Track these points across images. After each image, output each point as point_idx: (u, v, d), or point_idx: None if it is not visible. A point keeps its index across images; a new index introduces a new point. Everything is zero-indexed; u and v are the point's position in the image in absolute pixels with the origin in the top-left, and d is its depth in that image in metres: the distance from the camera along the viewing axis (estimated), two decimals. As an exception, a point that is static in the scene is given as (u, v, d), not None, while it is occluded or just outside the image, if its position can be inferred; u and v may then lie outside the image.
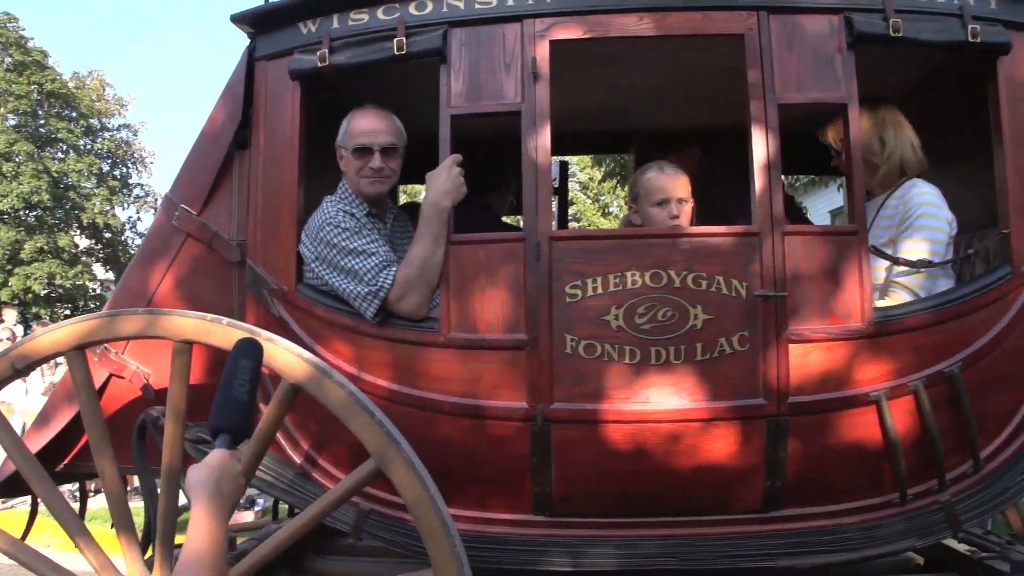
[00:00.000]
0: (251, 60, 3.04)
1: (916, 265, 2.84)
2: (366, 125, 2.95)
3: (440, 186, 2.75)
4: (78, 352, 2.60)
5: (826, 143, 3.08)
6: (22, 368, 2.64)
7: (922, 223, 2.90)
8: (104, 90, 27.73)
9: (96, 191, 25.84)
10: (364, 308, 2.76)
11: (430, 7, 2.82)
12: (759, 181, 2.70)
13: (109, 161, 27.36)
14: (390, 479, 2.37)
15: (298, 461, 2.88)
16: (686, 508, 2.77)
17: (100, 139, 27.03)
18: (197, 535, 1.36)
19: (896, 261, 2.88)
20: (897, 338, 2.71)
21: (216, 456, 1.47)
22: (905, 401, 2.70)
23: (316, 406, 2.52)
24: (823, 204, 15.49)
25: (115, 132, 27.87)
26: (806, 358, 2.67)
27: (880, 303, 2.84)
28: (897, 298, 2.86)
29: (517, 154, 2.76)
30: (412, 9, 2.83)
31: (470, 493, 2.76)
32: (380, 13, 2.86)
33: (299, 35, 2.94)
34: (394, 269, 2.76)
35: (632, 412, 2.65)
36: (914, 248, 2.88)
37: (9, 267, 23.21)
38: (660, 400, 2.66)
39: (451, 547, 2.33)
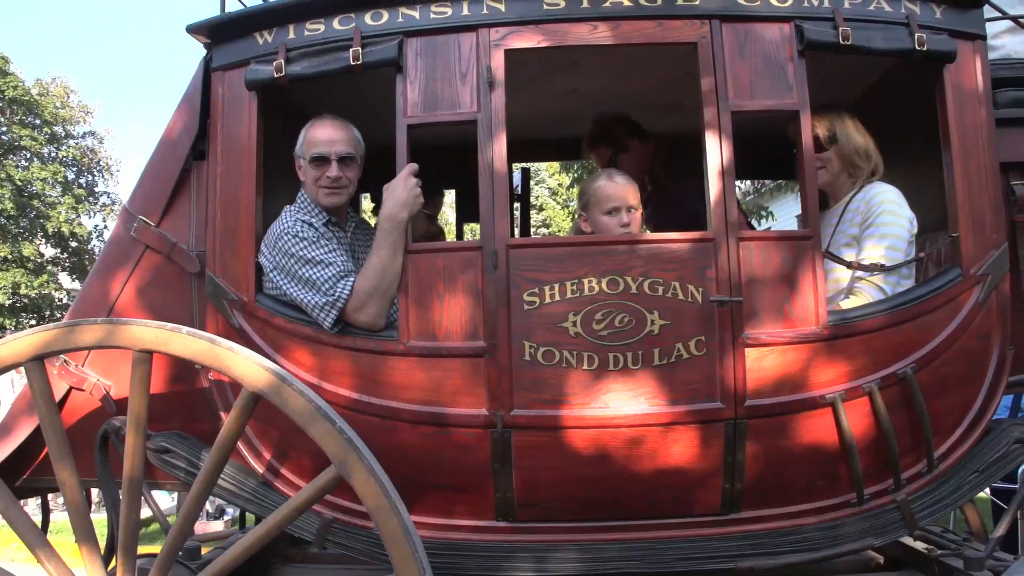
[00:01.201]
0: (207, 71, 3.03)
1: (869, 269, 2.90)
2: (323, 135, 2.95)
3: (397, 197, 2.76)
4: (37, 363, 2.59)
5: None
6: (-21, 380, 2.62)
7: (882, 220, 2.95)
8: (68, 97, 27.39)
9: (61, 199, 25.49)
10: (322, 318, 2.76)
11: (386, 17, 2.83)
12: (714, 187, 2.73)
13: (75, 169, 27.03)
14: (351, 486, 2.37)
15: (260, 470, 2.88)
16: (647, 511, 2.80)
17: (65, 147, 26.69)
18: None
19: (849, 265, 2.93)
20: (852, 340, 2.76)
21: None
22: (861, 403, 2.76)
23: (278, 415, 2.52)
24: (789, 209, 15.62)
25: (80, 140, 27.55)
26: (762, 362, 2.71)
27: (847, 302, 2.89)
28: (864, 296, 2.90)
29: (470, 161, 2.78)
30: (368, 19, 2.84)
31: (432, 500, 2.77)
32: (336, 23, 2.87)
33: (255, 45, 2.94)
34: (352, 279, 2.77)
35: (591, 417, 2.68)
36: (874, 247, 2.93)
37: (-26, 277, 22.87)
38: (619, 405, 2.68)
39: (413, 553, 2.34)
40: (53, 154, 26.26)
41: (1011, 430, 2.95)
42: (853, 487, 2.81)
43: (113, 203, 27.83)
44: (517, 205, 4.45)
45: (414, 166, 2.78)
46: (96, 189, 27.70)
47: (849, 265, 2.93)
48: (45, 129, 25.77)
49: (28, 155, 25.58)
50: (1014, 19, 3.24)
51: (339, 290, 2.75)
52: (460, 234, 4.72)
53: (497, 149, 2.73)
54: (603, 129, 3.74)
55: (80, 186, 26.81)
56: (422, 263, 2.76)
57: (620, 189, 3.01)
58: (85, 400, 3.13)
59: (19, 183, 24.24)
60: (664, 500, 2.80)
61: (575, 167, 11.95)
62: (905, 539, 3.18)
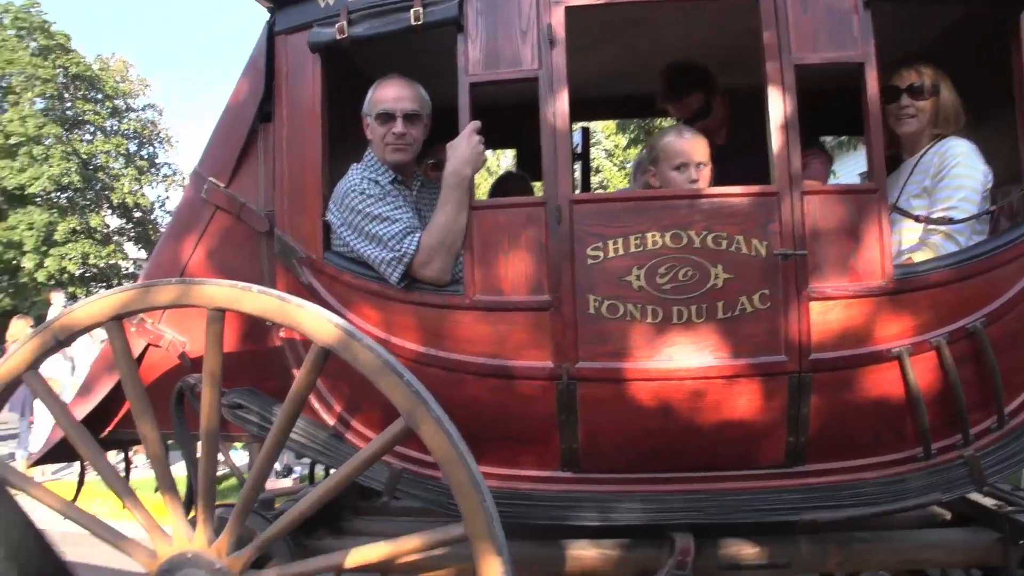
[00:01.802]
0: (271, 35, 3.08)
1: (937, 222, 2.85)
2: (389, 93, 2.99)
3: (461, 154, 2.79)
4: (116, 323, 2.68)
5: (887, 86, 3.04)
6: (64, 339, 2.72)
7: (956, 173, 2.90)
8: (127, 71, 27.97)
9: (124, 171, 26.15)
10: (389, 273, 2.82)
11: None
12: (777, 141, 2.71)
13: (136, 141, 27.63)
14: (420, 437, 2.43)
15: (331, 423, 2.96)
16: (710, 463, 2.82)
17: (126, 119, 27.29)
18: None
19: (917, 219, 2.89)
20: (919, 294, 2.72)
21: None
22: (928, 357, 2.72)
23: (347, 370, 2.58)
24: (852, 167, 15.30)
25: (140, 112, 28.15)
26: (827, 315, 2.69)
27: (919, 255, 2.85)
28: (936, 249, 2.86)
29: (531, 120, 2.79)
30: None
31: (499, 451, 2.82)
32: (398, -16, 2.89)
33: (317, 9, 2.97)
34: (418, 235, 2.81)
35: (655, 370, 2.70)
36: (947, 199, 2.88)
37: (44, 248, 23.58)
38: (683, 358, 2.70)
39: (481, 503, 2.39)
40: (115, 127, 26.90)
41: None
42: (919, 442, 2.78)
43: (173, 173, 28.52)
44: (577, 164, 4.46)
45: (477, 124, 2.81)
46: (157, 160, 28.38)
47: (917, 219, 2.89)
48: (107, 103, 26.43)
49: (92, 129, 26.24)
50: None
51: (406, 246, 2.79)
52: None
53: (559, 106, 2.74)
54: (689, 79, 3.62)
55: (142, 158, 27.50)
56: (486, 219, 2.79)
57: (689, 144, 2.99)
58: (161, 357, 3.24)
59: (84, 156, 24.87)
60: (727, 452, 2.81)
61: (631, 128, 11.86)
62: (973, 496, 3.15)
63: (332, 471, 2.81)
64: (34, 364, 2.74)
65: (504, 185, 4.45)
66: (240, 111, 3.15)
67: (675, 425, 2.75)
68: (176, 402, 3.07)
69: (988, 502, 3.21)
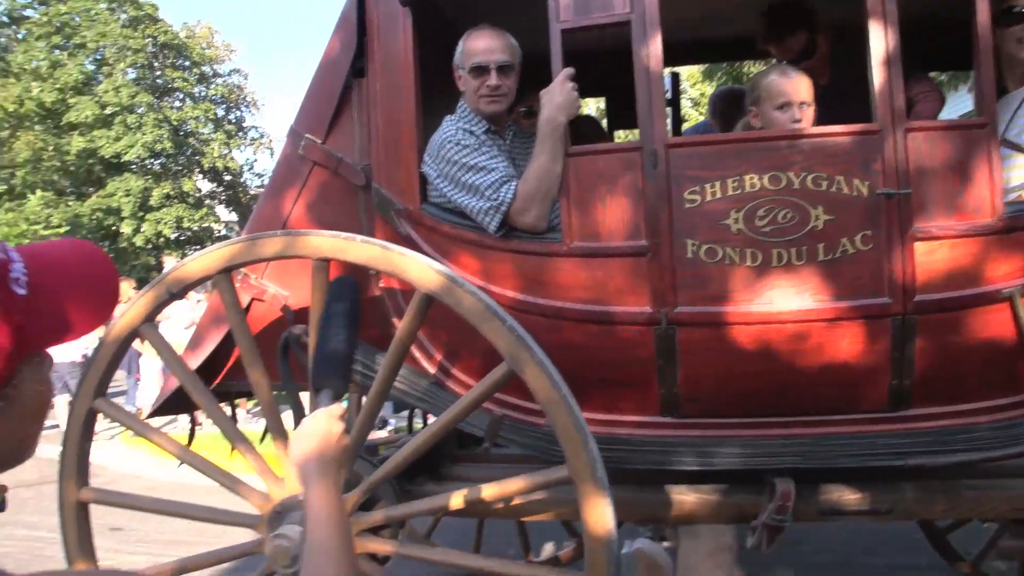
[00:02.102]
0: None
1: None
2: (482, 44, 3.00)
3: (556, 102, 2.79)
4: (225, 275, 2.79)
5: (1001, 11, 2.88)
6: (176, 292, 2.84)
7: None
8: (212, 37, 28.54)
9: (214, 136, 26.79)
10: (487, 223, 2.85)
11: None
12: (879, 77, 2.63)
13: (223, 106, 28.27)
14: (523, 381, 2.47)
15: (431, 371, 3.02)
16: (811, 407, 2.79)
17: (213, 85, 27.91)
18: (318, 517, 1.25)
19: (1029, 152, 2.79)
20: (1032, 233, 2.63)
21: (315, 422, 1.38)
22: (1041, 297, 2.63)
23: (448, 318, 2.64)
24: (952, 107, 14.69)
25: (226, 77, 28.74)
26: (933, 255, 2.63)
27: None
28: None
29: (621, 67, 2.76)
30: None
31: (598, 396, 2.84)
32: (487, -67, 2.88)
33: None
34: (514, 184, 2.83)
35: (756, 314, 2.68)
36: None
37: (141, 214, 24.41)
38: (783, 301, 2.67)
39: (584, 446, 2.43)
40: (203, 93, 27.51)
41: None
42: (1032, 385, 2.71)
43: (260, 136, 29.05)
44: (668, 111, 4.39)
45: (570, 70, 2.80)
46: (244, 124, 28.94)
47: (1028, 152, 2.78)
48: (194, 70, 27.02)
49: (181, 96, 26.91)
50: None
51: (502, 194, 2.82)
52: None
53: (652, 49, 2.71)
54: (792, 18, 3.47)
55: (230, 122, 28.09)
56: (583, 165, 2.79)
57: (792, 84, 2.92)
58: (265, 310, 3.35)
59: (175, 123, 25.55)
60: (829, 396, 2.78)
61: (719, 75, 11.60)
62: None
63: (431, 421, 2.88)
64: (149, 317, 2.87)
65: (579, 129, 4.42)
66: (333, 67, 3.20)
67: (776, 369, 2.72)
68: (282, 352, 3.18)
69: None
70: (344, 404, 1.42)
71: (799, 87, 2.91)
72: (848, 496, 2.87)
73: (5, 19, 25.06)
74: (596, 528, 2.43)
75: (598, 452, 2.46)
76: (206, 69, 27.61)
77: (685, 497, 2.95)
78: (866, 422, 2.79)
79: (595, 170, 2.78)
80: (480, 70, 2.99)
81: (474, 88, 3.02)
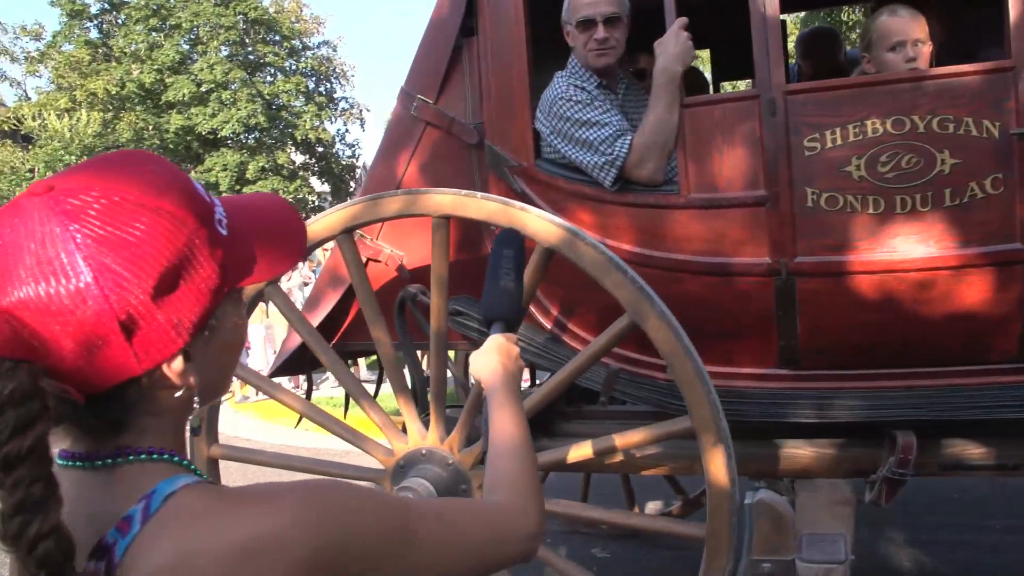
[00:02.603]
0: None
1: None
2: None
3: (670, 52, 2.77)
4: (347, 235, 2.86)
5: None
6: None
7: None
8: (301, 11, 28.99)
9: (305, 108, 27.33)
10: (602, 177, 2.85)
11: None
12: (1015, 9, 2.53)
13: (314, 79, 28.76)
14: (645, 332, 2.48)
15: (548, 326, 3.06)
16: (936, 358, 2.73)
17: (303, 58, 28.41)
18: (503, 418, 1.33)
19: None
20: None
21: (494, 341, 1.48)
22: None
23: (563, 273, 2.66)
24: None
25: (316, 50, 29.20)
26: (1069, 199, 2.53)
27: None
28: None
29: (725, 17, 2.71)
30: None
31: (716, 348, 2.83)
32: None
33: None
34: (629, 137, 2.83)
35: (878, 262, 2.63)
36: None
37: (238, 187, 25.15)
38: (907, 249, 2.61)
39: (707, 395, 2.43)
40: (293, 67, 28.05)
41: None
42: None
43: (351, 107, 29.53)
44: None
45: (684, 20, 2.77)
46: (335, 96, 29.40)
47: None
48: (285, 44, 27.53)
49: (272, 70, 27.48)
50: None
51: (618, 148, 2.82)
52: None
53: (769, -6, 2.67)
54: None
55: (320, 94, 28.59)
56: (699, 116, 2.77)
57: (903, 23, 2.83)
58: (380, 271, 3.43)
59: (268, 97, 26.14)
60: (954, 347, 2.71)
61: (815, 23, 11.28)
62: None
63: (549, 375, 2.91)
64: (274, 279, 2.97)
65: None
66: (443, 27, 3.22)
67: (899, 319, 2.67)
68: (399, 311, 3.26)
69: None
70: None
71: (912, 25, 2.82)
72: (972, 450, 2.81)
73: (107, 5, 25.99)
74: (718, 478, 2.44)
75: (719, 403, 2.47)
76: (296, 43, 28.11)
77: (801, 451, 2.93)
78: (994, 373, 2.71)
79: (712, 120, 2.75)
80: (587, 23, 2.98)
81: (583, 42, 3.01)
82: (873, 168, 2.60)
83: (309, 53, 28.82)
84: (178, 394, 0.90)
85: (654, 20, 2.89)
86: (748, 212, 2.72)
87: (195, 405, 0.95)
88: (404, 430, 2.91)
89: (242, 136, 26.16)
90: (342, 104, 29.68)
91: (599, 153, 2.84)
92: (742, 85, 6.16)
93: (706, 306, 2.78)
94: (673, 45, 2.77)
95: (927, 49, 2.83)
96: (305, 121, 26.95)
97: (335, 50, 29.90)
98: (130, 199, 0.84)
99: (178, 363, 0.87)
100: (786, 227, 2.67)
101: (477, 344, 3.14)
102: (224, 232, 0.92)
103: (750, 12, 2.69)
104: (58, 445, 0.90)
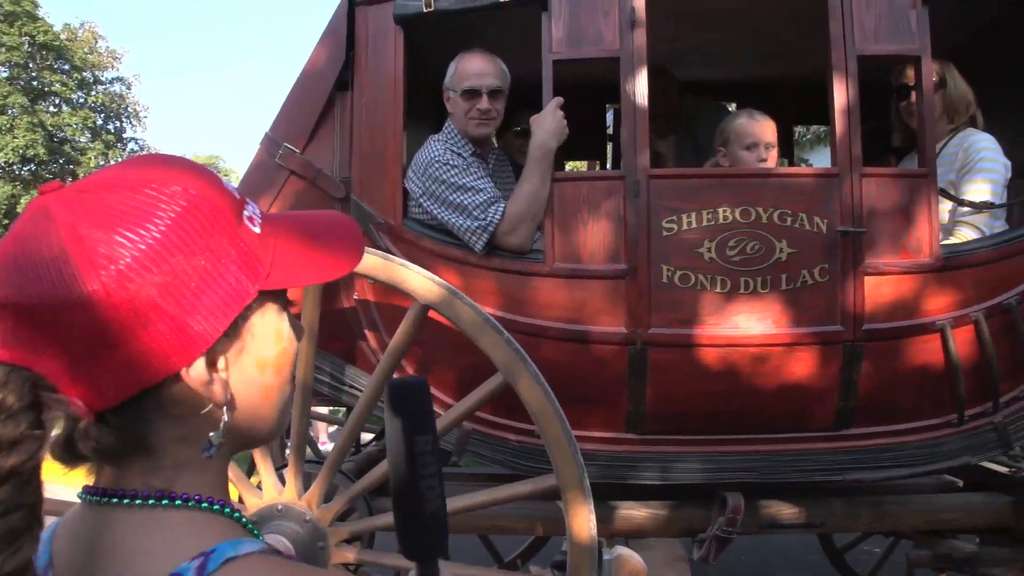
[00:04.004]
0: (352, 4, 3.14)
1: (980, 207, 3.06)
2: (474, 68, 3.09)
3: (547, 128, 2.92)
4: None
5: (898, 85, 3.27)
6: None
7: (983, 166, 3.11)
8: (96, 42, 27.54)
9: (91, 145, 25.75)
10: (473, 241, 2.94)
11: None
12: (839, 125, 2.89)
13: (103, 115, 27.22)
14: (517, 392, 2.56)
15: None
16: (766, 425, 3.00)
17: (94, 92, 26.86)
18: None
19: (961, 203, 3.10)
20: (962, 272, 2.92)
21: None
22: (967, 330, 2.93)
23: (425, 334, 2.71)
24: (824, 160, 15.56)
25: (108, 85, 27.72)
26: (880, 289, 2.88)
27: (947, 241, 3.05)
28: (963, 236, 3.07)
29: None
30: None
31: (569, 412, 2.89)
32: (485, -39, 2.99)
33: None
34: (502, 205, 2.94)
35: (722, 336, 2.87)
36: (977, 190, 3.09)
37: (6, 222, 23.15)
38: (748, 326, 2.87)
39: (574, 454, 2.54)
40: (82, 100, 26.45)
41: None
42: (955, 408, 2.99)
43: (141, 149, 28.08)
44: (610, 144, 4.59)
45: (560, 99, 2.94)
46: (124, 135, 27.93)
47: (962, 203, 3.09)
48: (75, 75, 25.99)
49: (58, 101, 25.79)
50: None
51: (491, 215, 2.92)
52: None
53: (638, 85, 2.89)
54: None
55: (109, 132, 27.05)
56: (568, 190, 2.93)
57: (759, 126, 3.18)
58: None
59: (50, 128, 24.44)
60: (783, 415, 2.99)
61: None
62: (986, 464, 3.38)
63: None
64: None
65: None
66: (318, 79, 3.21)
67: (738, 389, 2.92)
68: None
69: (1001, 469, 3.46)
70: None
71: (765, 129, 3.17)
72: (786, 511, 3.08)
73: None
74: (582, 535, 2.53)
75: (583, 463, 2.58)
76: (87, 75, 26.56)
77: (636, 512, 3.09)
78: (813, 440, 3.02)
79: (580, 195, 2.92)
80: (472, 93, 3.09)
81: (464, 110, 3.11)
82: (722, 251, 2.86)
83: (101, 88, 27.30)
84: (204, 411, 0.82)
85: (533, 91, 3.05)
86: (608, 284, 2.89)
87: (237, 433, 0.87)
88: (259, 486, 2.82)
89: (15, 167, 24.21)
90: (131, 145, 28.21)
91: (472, 218, 2.93)
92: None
93: (563, 371, 2.89)
94: (549, 122, 2.92)
95: (775, 151, 3.17)
96: (90, 158, 25.37)
97: (129, 88, 28.49)
98: (146, 192, 0.79)
99: (199, 369, 0.80)
100: (643, 300, 2.87)
101: (330, 396, 3.10)
102: (256, 230, 0.85)
103: (621, 99, 2.91)
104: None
